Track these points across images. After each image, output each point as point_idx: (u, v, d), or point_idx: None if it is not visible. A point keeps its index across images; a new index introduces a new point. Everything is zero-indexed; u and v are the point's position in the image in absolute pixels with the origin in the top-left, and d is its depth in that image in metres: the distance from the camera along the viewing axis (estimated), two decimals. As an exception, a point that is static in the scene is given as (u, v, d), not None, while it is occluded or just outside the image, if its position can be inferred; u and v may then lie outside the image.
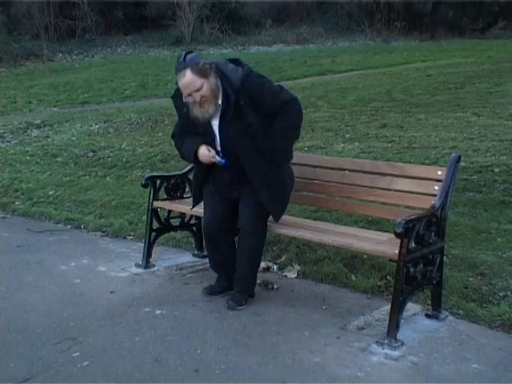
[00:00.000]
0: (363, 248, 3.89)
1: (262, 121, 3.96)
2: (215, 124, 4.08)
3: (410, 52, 23.59)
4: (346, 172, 4.51)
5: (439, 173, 3.92)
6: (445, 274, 4.06)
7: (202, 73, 3.87)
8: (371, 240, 3.94)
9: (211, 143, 4.12)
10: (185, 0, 29.75)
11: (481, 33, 32.70)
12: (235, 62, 4.08)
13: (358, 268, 4.81)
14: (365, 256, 4.81)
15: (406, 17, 32.50)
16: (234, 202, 4.24)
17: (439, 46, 26.14)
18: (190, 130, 4.20)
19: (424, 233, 3.65)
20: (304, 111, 4.17)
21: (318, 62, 21.68)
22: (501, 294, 4.13)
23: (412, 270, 3.60)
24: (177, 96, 4.12)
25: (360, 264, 4.85)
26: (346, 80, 17.15)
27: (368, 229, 4.97)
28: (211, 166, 4.19)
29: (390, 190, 4.20)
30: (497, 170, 6.69)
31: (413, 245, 3.57)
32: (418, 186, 4.03)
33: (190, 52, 3.98)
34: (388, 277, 4.53)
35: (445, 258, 4.08)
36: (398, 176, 4.17)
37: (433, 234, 3.75)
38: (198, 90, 3.87)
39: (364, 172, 4.39)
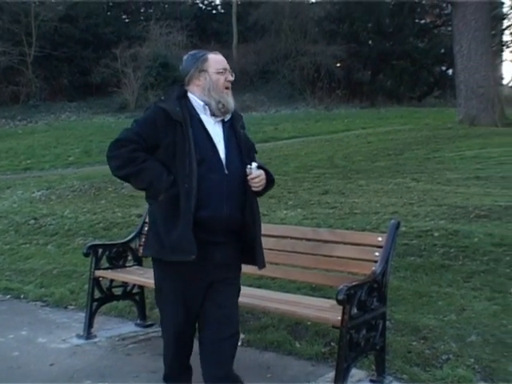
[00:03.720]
0: (306, 315, 3.91)
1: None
2: (219, 142, 3.34)
3: (350, 119, 24.22)
4: (289, 239, 4.56)
5: (379, 239, 4.00)
6: (388, 338, 4.10)
7: None
8: (314, 307, 3.96)
9: (212, 162, 3.30)
10: (129, 68, 30.06)
11: (418, 101, 34.00)
12: None
13: (302, 335, 4.81)
14: (308, 323, 4.81)
15: (347, 85, 33.61)
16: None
17: (379, 113, 26.97)
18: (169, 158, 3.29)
19: (366, 299, 3.69)
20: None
21: (261, 130, 21.95)
22: (443, 358, 4.19)
23: (355, 336, 3.62)
24: (161, 112, 3.35)
25: (304, 331, 4.85)
26: (289, 147, 17.42)
27: (311, 295, 4.99)
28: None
29: (331, 256, 4.26)
30: (436, 234, 6.82)
31: (355, 311, 3.61)
32: (360, 253, 4.10)
33: None
34: (332, 343, 4.53)
35: (387, 322, 4.13)
36: (339, 243, 4.25)
37: (375, 299, 3.80)
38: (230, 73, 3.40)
39: (306, 239, 4.45)
